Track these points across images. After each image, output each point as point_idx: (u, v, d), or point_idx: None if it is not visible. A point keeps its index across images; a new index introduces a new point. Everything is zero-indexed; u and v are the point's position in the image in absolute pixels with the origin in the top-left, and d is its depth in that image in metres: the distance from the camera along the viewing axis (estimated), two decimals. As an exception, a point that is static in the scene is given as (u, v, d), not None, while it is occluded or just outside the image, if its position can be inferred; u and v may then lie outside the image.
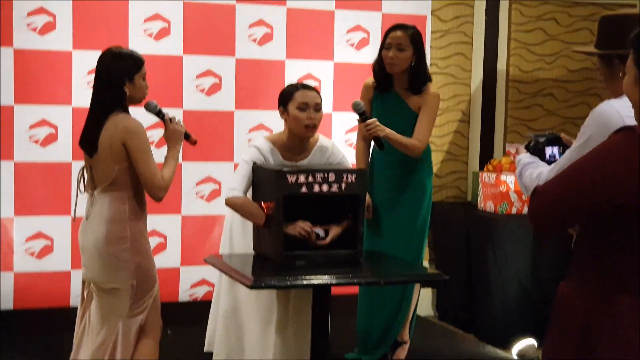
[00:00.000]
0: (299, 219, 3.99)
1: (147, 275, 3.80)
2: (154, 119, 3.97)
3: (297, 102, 4.10)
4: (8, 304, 5.32)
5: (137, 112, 3.89)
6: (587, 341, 2.26)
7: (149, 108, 3.94)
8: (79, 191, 3.88)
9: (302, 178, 3.88)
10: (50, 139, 5.37)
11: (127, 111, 3.79)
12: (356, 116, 4.33)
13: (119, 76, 3.74)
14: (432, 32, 6.15)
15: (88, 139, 3.77)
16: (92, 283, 3.81)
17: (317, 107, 4.12)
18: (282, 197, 3.87)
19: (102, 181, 3.75)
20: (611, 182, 2.21)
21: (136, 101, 3.85)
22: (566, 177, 2.30)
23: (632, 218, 2.22)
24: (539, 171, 2.84)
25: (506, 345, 5.20)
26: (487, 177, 5.91)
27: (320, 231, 4.02)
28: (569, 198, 2.27)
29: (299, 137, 4.15)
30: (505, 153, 6.34)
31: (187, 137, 3.98)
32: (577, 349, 2.27)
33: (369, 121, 4.15)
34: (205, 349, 4.48)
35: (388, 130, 4.31)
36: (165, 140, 3.91)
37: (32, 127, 5.34)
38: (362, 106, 4.17)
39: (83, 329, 3.87)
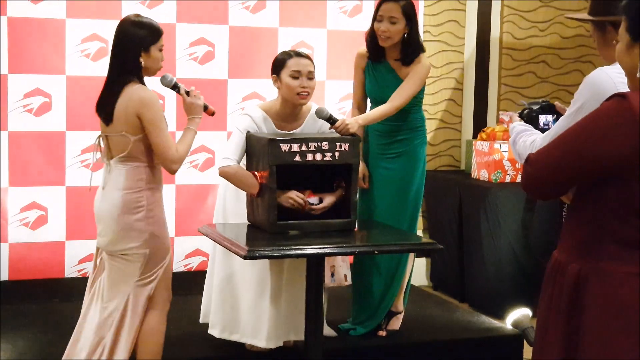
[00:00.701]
0: (292, 188, 3.99)
1: (161, 245, 3.82)
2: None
3: (290, 70, 4.07)
4: (3, 274, 5.32)
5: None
6: (577, 308, 2.27)
7: (165, 82, 3.91)
8: (95, 159, 3.89)
9: (295, 147, 3.87)
10: (45, 108, 5.34)
11: (142, 82, 3.78)
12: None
13: (136, 45, 3.73)
14: (425, 2, 6.11)
15: (104, 109, 3.77)
16: (105, 251, 3.83)
17: (310, 75, 4.09)
18: (275, 166, 3.87)
19: (118, 151, 3.76)
20: (603, 149, 2.20)
21: (151, 73, 3.83)
22: (559, 144, 2.30)
23: (624, 185, 2.22)
24: (532, 139, 2.83)
25: (500, 314, 5.21)
26: (480, 145, 5.90)
27: (314, 199, 4.02)
28: (561, 165, 2.27)
29: (292, 105, 4.13)
30: (498, 121, 6.32)
31: (205, 108, 3.95)
32: (568, 315, 2.28)
33: (336, 124, 4.09)
34: (201, 320, 4.48)
35: (358, 124, 4.23)
36: (186, 113, 3.89)
37: (26, 95, 5.31)
38: (326, 112, 4.12)
39: (92, 297, 3.89)
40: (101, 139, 3.86)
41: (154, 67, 3.81)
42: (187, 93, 3.88)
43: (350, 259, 4.55)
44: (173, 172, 3.81)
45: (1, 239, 5.28)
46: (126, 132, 3.70)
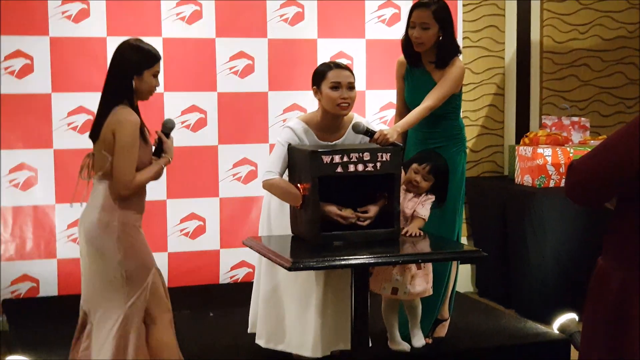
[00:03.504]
0: (335, 200, 3.98)
1: (138, 266, 3.75)
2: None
3: (330, 81, 4.08)
4: (52, 290, 5.38)
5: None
6: (622, 313, 2.25)
7: (167, 125, 3.92)
8: (81, 177, 3.85)
9: (336, 158, 3.86)
10: (88, 125, 5.36)
11: (132, 105, 3.76)
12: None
13: (129, 68, 3.73)
14: (463, 5, 6.12)
15: (93, 127, 3.78)
16: (84, 274, 3.81)
17: (350, 86, 4.09)
18: (317, 177, 3.86)
19: (98, 168, 3.75)
20: None
21: (143, 97, 3.81)
22: (601, 151, 2.29)
23: None
24: None
25: (547, 320, 5.17)
26: (523, 150, 5.86)
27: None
28: (602, 172, 2.25)
29: (332, 117, 4.13)
30: (541, 125, 6.29)
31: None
32: (613, 321, 2.27)
33: (375, 136, 4.08)
34: (249, 330, 4.49)
35: (397, 133, 4.20)
36: (164, 151, 3.87)
37: (69, 114, 5.37)
38: (362, 126, 4.11)
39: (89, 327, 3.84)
40: (89, 157, 3.85)
41: (145, 91, 3.78)
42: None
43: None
44: (121, 196, 3.71)
45: (50, 255, 5.34)
46: (104, 150, 3.70)
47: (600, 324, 2.30)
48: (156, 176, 3.82)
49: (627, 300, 2.24)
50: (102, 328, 3.74)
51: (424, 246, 4.15)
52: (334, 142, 4.18)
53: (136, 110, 3.78)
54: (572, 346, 4.73)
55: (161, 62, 3.84)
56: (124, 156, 3.67)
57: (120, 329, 3.71)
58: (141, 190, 3.81)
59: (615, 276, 2.27)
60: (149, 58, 3.77)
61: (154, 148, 3.89)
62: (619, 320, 2.26)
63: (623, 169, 2.22)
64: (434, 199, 4.24)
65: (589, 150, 2.43)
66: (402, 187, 4.17)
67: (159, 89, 4.09)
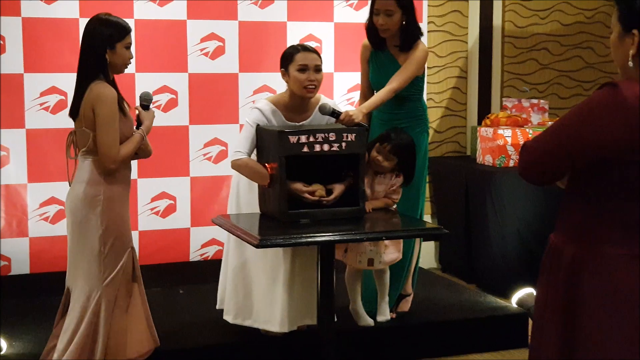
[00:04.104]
0: (302, 179, 3.99)
1: (117, 239, 3.75)
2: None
3: (298, 63, 4.09)
4: (24, 268, 5.36)
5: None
6: (573, 286, 2.25)
7: (143, 97, 3.93)
8: (67, 156, 3.86)
9: (303, 138, 3.87)
10: (61, 105, 5.36)
11: (108, 79, 3.74)
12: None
13: (101, 42, 3.71)
14: (429, -7, 6.12)
15: (72, 105, 3.76)
16: (69, 250, 3.80)
17: (317, 69, 4.10)
18: (284, 157, 3.87)
19: (82, 145, 3.74)
20: (596, 134, 2.19)
21: (117, 70, 3.79)
22: (555, 131, 2.29)
23: (614, 171, 2.21)
24: None
25: (506, 294, 5.23)
26: (485, 131, 5.91)
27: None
28: (556, 151, 2.25)
29: (300, 98, 4.14)
30: (502, 107, 6.33)
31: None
32: (564, 292, 2.27)
33: (341, 117, 4.10)
34: (218, 306, 4.52)
35: (362, 114, 4.25)
36: (142, 121, 3.89)
37: (42, 94, 5.32)
38: (328, 107, 4.13)
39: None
40: (71, 135, 3.85)
41: (119, 64, 3.76)
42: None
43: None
44: (109, 170, 3.71)
45: (22, 234, 5.32)
46: (85, 127, 3.69)
47: (552, 297, 2.30)
48: (138, 147, 3.80)
49: (576, 274, 2.25)
50: (77, 303, 3.73)
51: (388, 223, 4.18)
52: (301, 123, 4.19)
53: (113, 84, 3.76)
54: (529, 319, 4.79)
55: (132, 35, 3.82)
56: (106, 130, 3.65)
57: (95, 306, 3.69)
58: (126, 164, 3.80)
59: (566, 252, 2.28)
60: (120, 30, 3.74)
61: (135, 123, 3.89)
62: (568, 294, 2.26)
63: (573, 149, 2.23)
64: (402, 182, 4.26)
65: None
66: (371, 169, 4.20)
67: (130, 69, 4.09)
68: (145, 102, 3.92)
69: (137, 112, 3.92)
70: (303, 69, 4.07)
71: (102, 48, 3.71)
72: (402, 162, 4.22)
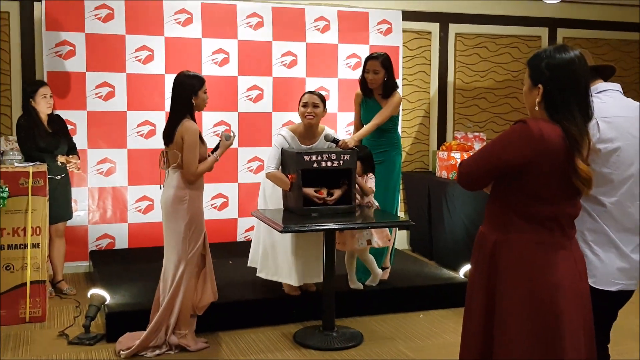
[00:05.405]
0: (313, 186, 3.97)
1: (197, 227, 3.73)
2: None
3: (302, 101, 4.10)
4: (124, 244, 5.38)
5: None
6: (494, 262, 2.22)
7: (225, 134, 3.82)
8: (160, 168, 3.85)
9: (313, 157, 3.89)
10: (151, 133, 5.38)
11: (193, 117, 3.71)
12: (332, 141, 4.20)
13: (188, 91, 3.68)
14: (403, 57, 6.09)
15: (166, 134, 3.74)
16: (164, 233, 3.77)
17: (315, 105, 4.08)
18: (300, 170, 3.88)
19: (172, 162, 3.72)
20: (511, 156, 2.15)
21: (199, 108, 3.75)
22: (482, 153, 2.24)
23: (522, 180, 2.16)
24: None
25: (456, 268, 5.17)
26: (441, 154, 5.86)
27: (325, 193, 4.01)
28: (481, 167, 2.21)
29: (308, 126, 4.11)
30: (454, 138, 6.28)
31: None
32: (489, 273, 2.24)
33: (339, 143, 4.09)
34: (249, 264, 4.50)
35: (354, 141, 4.23)
36: (221, 149, 3.82)
37: (139, 125, 5.34)
38: (331, 136, 4.12)
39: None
40: (163, 154, 3.81)
41: (201, 105, 3.74)
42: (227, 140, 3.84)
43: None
44: (189, 182, 3.66)
45: (123, 221, 5.31)
46: (176, 150, 3.66)
47: (479, 270, 2.27)
48: (210, 168, 3.76)
49: (496, 254, 2.22)
50: (169, 269, 3.73)
51: (373, 217, 4.15)
52: (310, 146, 4.17)
53: (194, 120, 3.73)
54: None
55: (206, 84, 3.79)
56: (191, 154, 3.63)
57: (181, 272, 3.69)
58: (201, 176, 3.77)
59: (489, 238, 2.24)
60: (200, 80, 3.72)
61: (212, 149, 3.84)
62: (490, 268, 2.23)
63: (495, 165, 2.19)
64: (374, 178, 4.29)
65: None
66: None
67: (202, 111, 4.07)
68: (227, 138, 3.83)
69: (219, 140, 3.84)
70: (305, 104, 4.08)
71: (189, 95, 3.68)
72: (365, 166, 4.25)
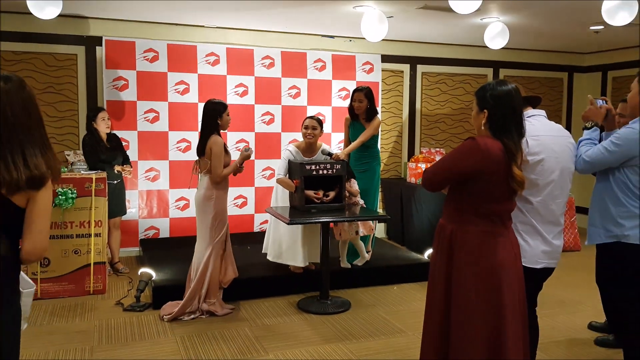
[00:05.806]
0: (313, 188, 3.99)
1: (221, 220, 3.73)
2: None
3: (304, 124, 4.11)
4: (166, 233, 5.37)
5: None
6: (451, 250, 2.22)
7: (244, 150, 3.79)
8: (193, 173, 3.85)
9: (313, 167, 3.91)
10: (187, 148, 5.36)
11: (219, 134, 3.72)
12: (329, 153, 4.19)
13: (215, 113, 3.70)
14: (382, 90, 6.11)
15: (198, 148, 3.75)
16: (197, 224, 3.77)
17: (314, 127, 4.09)
18: (303, 176, 3.89)
19: (203, 168, 3.73)
20: (463, 165, 2.16)
21: (224, 128, 3.76)
22: (442, 162, 2.24)
23: (473, 184, 2.16)
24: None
25: (422, 252, 5.18)
26: (411, 165, 5.88)
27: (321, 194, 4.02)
28: (441, 174, 2.22)
29: (309, 144, 4.14)
30: (420, 152, 6.30)
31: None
32: (447, 255, 2.24)
33: (333, 156, 4.10)
34: (263, 251, 4.49)
35: (344, 154, 4.24)
36: (241, 160, 3.78)
37: (177, 142, 5.33)
38: (327, 150, 4.12)
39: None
40: (196, 163, 3.81)
41: (225, 125, 3.73)
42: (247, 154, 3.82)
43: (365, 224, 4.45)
44: (216, 183, 3.64)
45: (165, 216, 5.30)
46: (207, 158, 3.67)
47: (439, 256, 2.26)
48: (234, 172, 3.74)
49: (453, 243, 2.21)
50: (199, 253, 3.73)
51: (359, 213, 4.17)
52: (310, 158, 4.17)
53: (220, 136, 3.73)
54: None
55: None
56: (217, 160, 3.64)
57: (208, 255, 3.69)
58: (226, 179, 3.76)
59: (447, 229, 2.24)
60: (223, 106, 3.73)
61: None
62: (448, 254, 2.23)
63: (451, 172, 2.20)
64: (357, 182, 4.29)
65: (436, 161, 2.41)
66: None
67: (225, 131, 4.06)
68: (246, 150, 3.81)
69: (240, 152, 3.82)
70: (306, 127, 4.09)
71: (216, 116, 3.69)
72: (349, 174, 4.26)
